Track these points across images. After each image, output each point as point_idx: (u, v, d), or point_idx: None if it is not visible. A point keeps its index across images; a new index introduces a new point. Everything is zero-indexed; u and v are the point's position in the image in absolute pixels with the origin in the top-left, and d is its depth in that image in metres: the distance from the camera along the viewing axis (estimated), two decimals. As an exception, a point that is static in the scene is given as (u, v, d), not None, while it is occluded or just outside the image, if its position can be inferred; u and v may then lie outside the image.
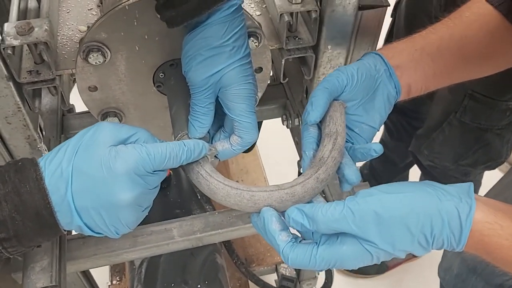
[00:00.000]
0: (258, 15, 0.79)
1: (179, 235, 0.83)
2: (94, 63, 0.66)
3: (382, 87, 0.67)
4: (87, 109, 0.76)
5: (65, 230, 0.54)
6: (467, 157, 1.30)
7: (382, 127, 1.75)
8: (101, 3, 0.78)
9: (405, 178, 1.86)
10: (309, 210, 0.52)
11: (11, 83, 0.63)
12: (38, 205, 0.50)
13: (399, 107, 1.56)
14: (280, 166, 1.73)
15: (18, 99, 0.65)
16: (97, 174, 0.51)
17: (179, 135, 0.63)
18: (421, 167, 1.51)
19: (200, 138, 0.62)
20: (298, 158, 0.94)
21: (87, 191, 0.51)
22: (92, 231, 0.54)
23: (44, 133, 0.75)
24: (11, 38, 0.61)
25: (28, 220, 0.50)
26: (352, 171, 0.61)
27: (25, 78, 0.65)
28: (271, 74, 0.91)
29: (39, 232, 0.52)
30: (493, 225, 0.51)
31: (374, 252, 0.51)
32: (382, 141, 1.78)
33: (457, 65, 0.69)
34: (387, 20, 1.22)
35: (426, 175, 1.51)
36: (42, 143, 0.72)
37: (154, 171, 0.54)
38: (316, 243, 0.53)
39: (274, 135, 1.39)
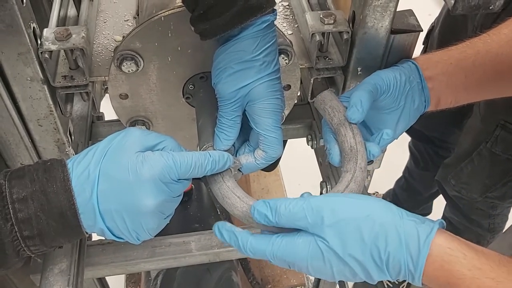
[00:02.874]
0: (290, 34, 0.80)
1: (196, 249, 0.82)
2: (127, 71, 0.67)
3: (412, 99, 0.67)
4: (115, 118, 0.77)
5: (87, 233, 0.54)
6: (495, 189, 1.26)
7: (408, 156, 1.72)
8: (138, 15, 0.80)
9: (429, 208, 1.82)
10: (274, 203, 0.52)
11: (45, 87, 0.65)
12: (63, 206, 0.51)
13: (426, 136, 1.56)
14: (302, 188, 1.70)
15: (51, 102, 0.66)
16: (123, 178, 0.52)
17: (205, 146, 0.64)
18: (446, 197, 1.48)
19: (225, 151, 0.62)
20: (321, 180, 0.93)
21: (112, 195, 0.52)
22: (114, 235, 0.54)
23: (73, 138, 0.76)
24: (49, 43, 0.63)
25: (52, 219, 0.51)
26: (372, 145, 0.63)
27: (59, 82, 0.67)
28: (298, 94, 0.91)
29: (61, 233, 0.52)
30: (455, 252, 0.48)
31: (325, 252, 0.50)
32: (407, 170, 1.75)
33: (490, 82, 0.69)
34: (419, 47, 1.21)
35: (452, 206, 1.47)
36: (71, 147, 0.74)
37: (179, 179, 0.55)
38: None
39: (298, 156, 1.38)
